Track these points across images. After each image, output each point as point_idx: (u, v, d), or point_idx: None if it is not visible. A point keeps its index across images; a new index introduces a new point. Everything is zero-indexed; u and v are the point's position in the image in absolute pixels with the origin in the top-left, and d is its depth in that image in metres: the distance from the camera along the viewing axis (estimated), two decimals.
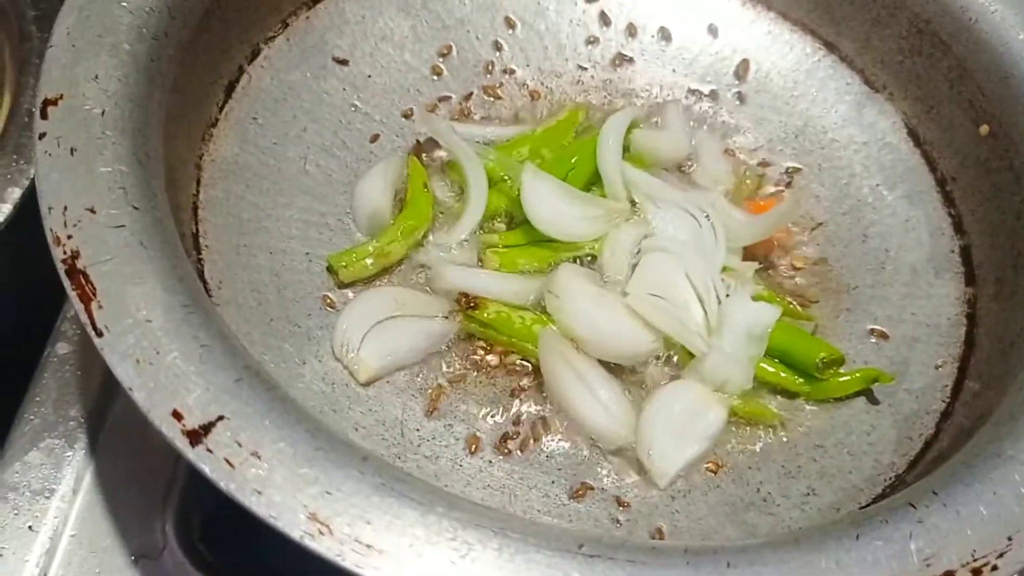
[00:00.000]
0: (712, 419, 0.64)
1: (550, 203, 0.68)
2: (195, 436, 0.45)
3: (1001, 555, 0.48)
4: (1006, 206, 0.70)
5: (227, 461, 0.45)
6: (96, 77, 0.56)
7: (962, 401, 0.66)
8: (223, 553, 0.64)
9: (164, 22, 0.60)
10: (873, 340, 0.71)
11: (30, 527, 0.62)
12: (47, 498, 0.63)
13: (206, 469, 0.45)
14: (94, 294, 0.48)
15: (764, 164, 0.79)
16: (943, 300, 0.72)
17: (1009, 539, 0.49)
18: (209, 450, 0.45)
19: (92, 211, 0.51)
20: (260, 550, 0.57)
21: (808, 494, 0.63)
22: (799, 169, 0.79)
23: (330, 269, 0.67)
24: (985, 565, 0.48)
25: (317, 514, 0.44)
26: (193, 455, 0.45)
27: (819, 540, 0.48)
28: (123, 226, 0.51)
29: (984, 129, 0.72)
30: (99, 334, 0.47)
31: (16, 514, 0.62)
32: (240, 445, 0.45)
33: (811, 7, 0.82)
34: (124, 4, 0.59)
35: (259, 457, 0.45)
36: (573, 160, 0.74)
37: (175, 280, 0.50)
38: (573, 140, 0.77)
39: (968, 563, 0.48)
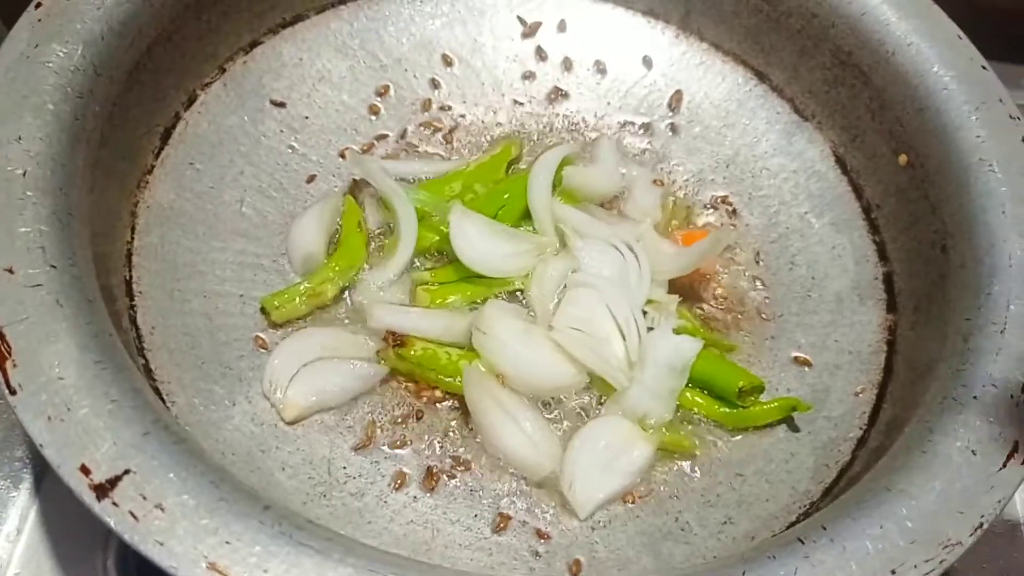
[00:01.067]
0: (637, 455, 0.66)
1: (477, 241, 0.70)
2: (101, 490, 0.47)
3: None
4: (923, 235, 0.72)
5: (131, 514, 0.47)
6: (20, 138, 0.58)
7: (878, 428, 0.68)
8: None
9: (90, 80, 0.62)
10: (796, 367, 0.72)
11: None
12: None
13: (111, 522, 0.47)
14: (9, 353, 0.51)
15: (695, 195, 0.81)
16: (865, 327, 0.74)
17: (892, 572, 0.50)
18: (115, 503, 0.47)
19: (10, 271, 0.53)
20: None
21: (725, 523, 0.64)
22: (727, 198, 0.80)
23: (263, 310, 0.69)
24: None
25: (216, 564, 0.46)
26: (99, 508, 0.47)
27: None
28: (40, 285, 0.53)
29: (903, 159, 0.74)
30: (12, 392, 0.50)
31: None
32: (145, 498, 0.48)
33: (742, 38, 0.84)
34: (50, 64, 0.61)
35: (162, 509, 0.47)
36: (505, 197, 0.76)
37: (89, 337, 0.52)
38: (505, 176, 0.79)
39: None
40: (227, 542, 0.47)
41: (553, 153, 0.77)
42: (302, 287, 0.70)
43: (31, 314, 0.52)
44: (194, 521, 0.47)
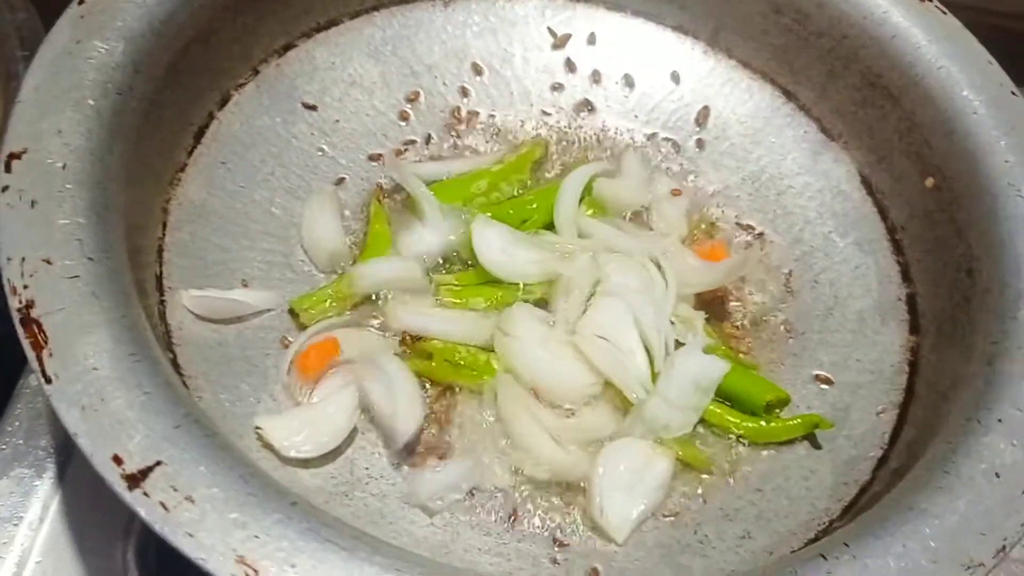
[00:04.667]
0: (658, 472, 0.66)
1: (500, 248, 0.71)
2: (133, 480, 0.48)
3: None
4: (947, 258, 0.72)
5: (162, 505, 0.47)
6: (60, 132, 0.59)
7: (898, 448, 0.68)
8: None
9: (129, 77, 0.63)
10: (817, 385, 0.73)
11: None
12: (15, 525, 0.66)
13: (142, 512, 0.47)
14: (45, 342, 0.51)
15: (720, 210, 0.81)
16: (887, 347, 0.74)
17: None
18: (146, 494, 0.48)
19: (48, 262, 0.54)
20: None
21: (744, 537, 0.65)
22: (752, 215, 0.81)
23: (292, 312, 0.70)
24: None
25: (245, 557, 0.47)
26: (130, 498, 0.48)
27: None
28: (77, 276, 0.54)
29: (930, 182, 0.74)
30: (48, 381, 0.50)
31: None
32: (175, 489, 0.48)
33: (770, 56, 0.85)
34: (91, 60, 0.62)
35: (192, 501, 0.48)
36: (531, 207, 0.77)
37: (124, 330, 0.53)
38: (530, 175, 0.80)
39: None
40: (256, 536, 0.47)
41: (584, 169, 0.78)
42: (330, 290, 0.70)
43: (67, 305, 0.52)
44: (223, 514, 0.48)
